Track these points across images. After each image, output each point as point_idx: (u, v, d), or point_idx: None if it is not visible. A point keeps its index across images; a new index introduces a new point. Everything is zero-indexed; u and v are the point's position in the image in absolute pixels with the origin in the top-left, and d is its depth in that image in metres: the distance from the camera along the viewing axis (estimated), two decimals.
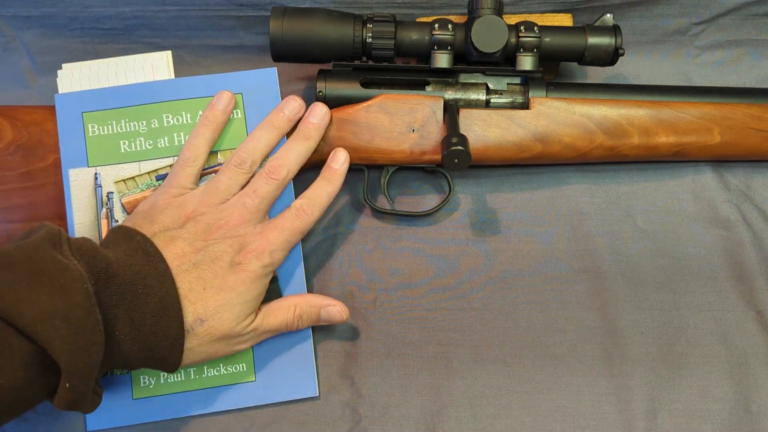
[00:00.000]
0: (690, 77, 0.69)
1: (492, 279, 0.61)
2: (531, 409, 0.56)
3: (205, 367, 0.56)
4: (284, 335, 0.56)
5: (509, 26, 0.57)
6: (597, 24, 0.60)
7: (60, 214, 0.57)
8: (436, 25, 0.57)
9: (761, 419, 0.55)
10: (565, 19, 0.62)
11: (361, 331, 0.59)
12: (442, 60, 0.58)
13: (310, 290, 0.60)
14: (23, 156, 0.58)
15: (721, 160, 0.64)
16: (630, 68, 0.69)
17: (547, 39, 0.58)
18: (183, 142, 0.57)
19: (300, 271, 0.57)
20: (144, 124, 0.57)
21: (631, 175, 0.64)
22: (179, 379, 0.56)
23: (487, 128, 0.59)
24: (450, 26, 0.57)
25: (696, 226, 0.62)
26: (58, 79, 0.59)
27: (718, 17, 0.68)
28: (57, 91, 0.60)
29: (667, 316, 0.59)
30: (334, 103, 0.59)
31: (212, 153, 0.57)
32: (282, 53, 0.58)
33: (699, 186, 0.64)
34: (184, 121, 0.57)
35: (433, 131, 0.59)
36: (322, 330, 0.59)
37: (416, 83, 0.60)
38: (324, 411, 0.56)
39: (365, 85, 0.60)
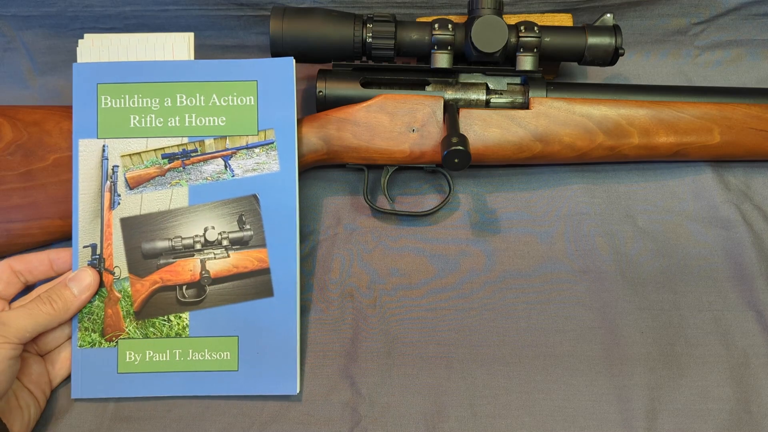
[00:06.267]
0: (690, 77, 0.69)
1: (492, 279, 0.61)
2: (531, 409, 0.56)
3: (190, 351, 0.56)
4: (271, 331, 0.56)
5: (509, 26, 0.57)
6: (597, 24, 0.60)
7: (60, 214, 0.57)
8: (436, 25, 0.57)
9: (761, 419, 0.55)
10: (565, 19, 0.62)
11: (361, 331, 0.59)
12: (442, 60, 0.58)
13: (309, 290, 0.60)
14: (23, 156, 0.58)
15: (721, 160, 0.64)
16: (630, 68, 0.69)
17: (547, 39, 0.58)
18: (194, 124, 0.57)
19: (294, 268, 0.56)
20: (157, 102, 0.57)
21: (631, 175, 0.64)
22: (164, 359, 0.56)
23: (487, 128, 0.59)
24: (450, 26, 0.57)
25: (696, 226, 0.62)
26: (78, 48, 0.58)
27: (718, 17, 0.68)
28: (57, 92, 0.60)
29: (667, 316, 0.59)
30: (334, 102, 0.59)
31: (221, 137, 0.57)
32: (282, 53, 0.58)
33: (699, 186, 0.64)
34: (197, 104, 0.57)
35: (433, 131, 0.59)
36: (321, 330, 0.59)
37: (416, 83, 0.60)
38: (324, 411, 0.56)
39: (365, 85, 0.60)
